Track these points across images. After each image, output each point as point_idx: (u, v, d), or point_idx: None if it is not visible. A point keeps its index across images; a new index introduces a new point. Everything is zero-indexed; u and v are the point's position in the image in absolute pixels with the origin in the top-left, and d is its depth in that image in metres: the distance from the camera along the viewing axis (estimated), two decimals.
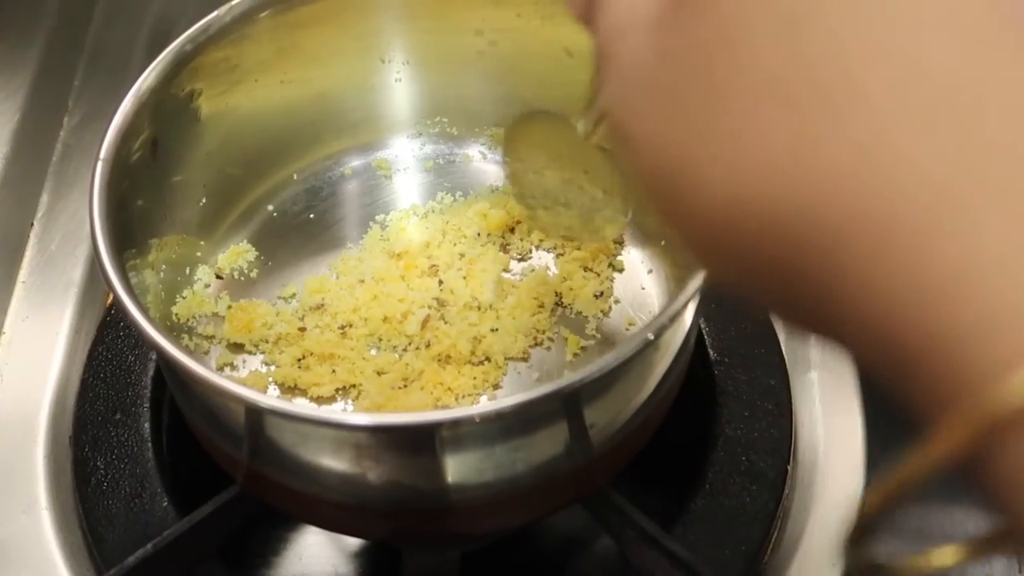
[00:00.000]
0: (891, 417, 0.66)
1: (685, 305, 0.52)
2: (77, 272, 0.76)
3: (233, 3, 0.63)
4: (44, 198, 0.80)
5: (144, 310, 0.51)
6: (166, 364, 0.58)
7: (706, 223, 0.30)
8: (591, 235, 0.63)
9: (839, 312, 0.28)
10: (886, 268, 0.26)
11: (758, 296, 0.32)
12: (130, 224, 0.59)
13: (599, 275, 0.66)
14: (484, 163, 0.73)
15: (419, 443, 0.53)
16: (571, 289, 0.65)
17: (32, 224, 0.79)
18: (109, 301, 0.74)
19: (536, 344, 0.64)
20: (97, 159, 0.56)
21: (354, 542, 0.71)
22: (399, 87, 0.71)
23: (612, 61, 0.33)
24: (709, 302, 0.68)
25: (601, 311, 0.65)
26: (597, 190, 0.58)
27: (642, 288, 0.66)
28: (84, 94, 0.86)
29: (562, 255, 0.67)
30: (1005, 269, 0.25)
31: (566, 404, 0.52)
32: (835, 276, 0.27)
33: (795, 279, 0.29)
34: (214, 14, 0.62)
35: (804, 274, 0.28)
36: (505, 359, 0.63)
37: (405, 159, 0.73)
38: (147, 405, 0.68)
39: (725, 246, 0.30)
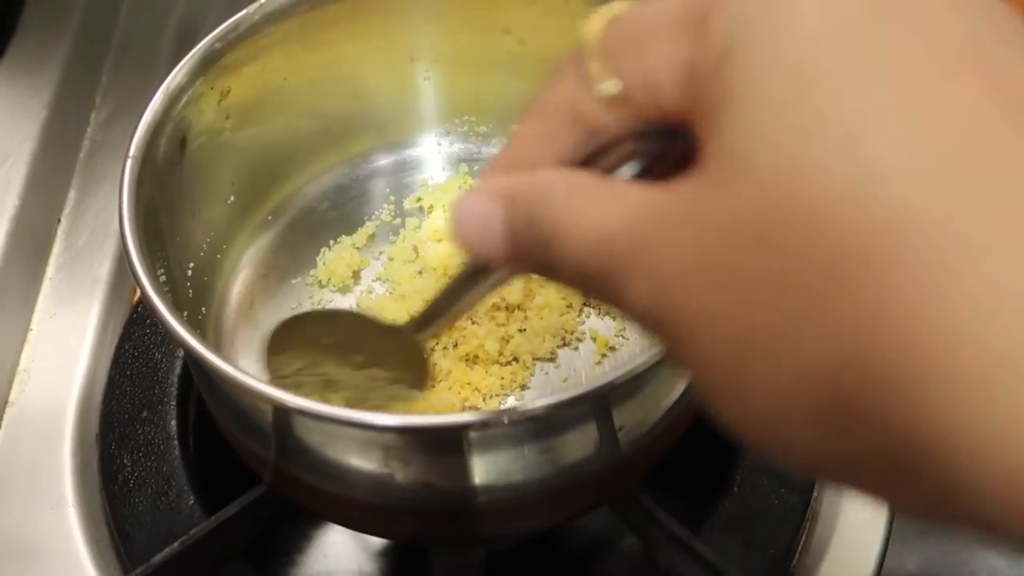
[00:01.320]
0: None
1: None
2: (104, 268, 0.76)
3: (262, 1, 0.63)
4: (71, 194, 0.80)
5: (172, 307, 0.51)
6: (193, 362, 0.58)
7: (778, 398, 0.28)
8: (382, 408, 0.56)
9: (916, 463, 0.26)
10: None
11: (843, 471, 0.29)
12: (158, 221, 0.59)
13: None
14: None
15: (447, 445, 0.52)
16: None
17: (59, 220, 0.79)
18: (136, 298, 0.74)
19: (564, 344, 0.64)
20: (127, 156, 0.56)
21: (379, 541, 0.71)
22: (427, 85, 0.71)
23: (635, 261, 0.30)
24: None
25: None
26: (379, 371, 0.54)
27: None
28: (111, 90, 0.86)
29: None
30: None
31: (596, 406, 0.52)
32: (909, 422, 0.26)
33: (872, 437, 0.27)
34: (243, 12, 0.62)
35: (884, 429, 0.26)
36: (533, 359, 0.63)
37: (433, 157, 0.73)
38: (174, 403, 0.68)
39: (804, 421, 0.28)
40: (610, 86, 0.31)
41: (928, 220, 0.25)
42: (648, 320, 0.31)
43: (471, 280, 0.41)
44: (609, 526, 0.70)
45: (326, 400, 0.56)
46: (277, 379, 0.56)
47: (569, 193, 0.32)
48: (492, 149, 0.73)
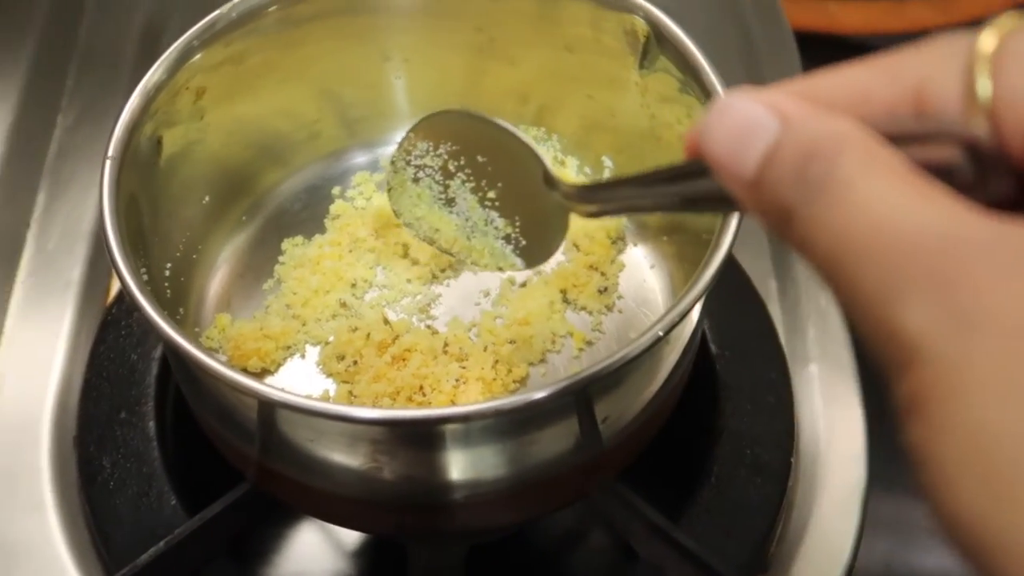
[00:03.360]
0: (890, 408, 0.67)
1: (695, 302, 0.52)
2: (76, 271, 0.76)
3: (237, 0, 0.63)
4: (40, 198, 0.80)
5: (156, 305, 0.51)
6: (179, 359, 0.58)
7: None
8: (474, 260, 0.54)
9: None
10: None
11: None
12: (140, 221, 0.59)
13: (603, 272, 0.66)
14: None
15: (429, 438, 0.53)
16: (575, 286, 0.65)
17: (29, 225, 0.79)
18: (110, 300, 0.74)
19: (553, 348, 0.64)
20: (106, 156, 0.56)
21: (358, 538, 0.71)
22: (399, 84, 0.71)
23: (932, 284, 0.25)
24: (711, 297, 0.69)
25: (605, 306, 0.65)
26: (502, 218, 0.50)
27: (644, 283, 0.67)
28: (77, 93, 0.86)
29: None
30: None
31: (576, 399, 0.53)
32: None
33: None
34: (219, 11, 0.62)
35: None
36: (528, 365, 0.63)
37: None
38: (152, 404, 0.68)
39: None
40: (984, 88, 0.28)
41: None
42: (901, 347, 0.26)
43: (670, 181, 0.35)
44: (584, 519, 0.71)
45: (425, 229, 0.53)
46: (400, 157, 0.53)
47: (868, 160, 0.27)
48: None
